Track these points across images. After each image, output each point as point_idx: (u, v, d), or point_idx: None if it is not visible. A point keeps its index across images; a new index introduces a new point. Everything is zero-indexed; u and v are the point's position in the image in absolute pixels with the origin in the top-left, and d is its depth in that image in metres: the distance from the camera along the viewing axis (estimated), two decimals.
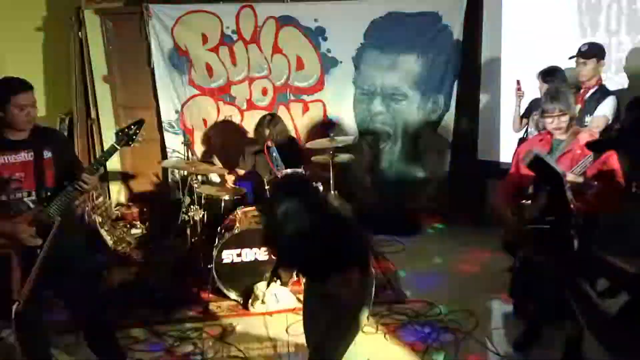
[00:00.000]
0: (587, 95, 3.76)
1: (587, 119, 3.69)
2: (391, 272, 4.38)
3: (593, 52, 3.71)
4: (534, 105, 4.32)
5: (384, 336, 3.45)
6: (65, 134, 5.13)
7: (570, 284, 1.45)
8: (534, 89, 4.21)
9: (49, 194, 2.71)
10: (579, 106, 3.67)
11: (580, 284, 1.43)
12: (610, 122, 3.63)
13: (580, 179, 2.80)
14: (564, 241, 1.42)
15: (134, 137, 2.87)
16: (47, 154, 2.71)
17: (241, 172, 4.68)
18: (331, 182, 4.22)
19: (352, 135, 5.29)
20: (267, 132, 4.44)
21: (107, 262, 4.40)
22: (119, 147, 2.84)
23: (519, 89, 4.29)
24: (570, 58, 3.82)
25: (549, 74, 4.01)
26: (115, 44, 5.34)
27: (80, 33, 5.24)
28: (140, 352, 3.35)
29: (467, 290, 4.01)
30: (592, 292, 1.43)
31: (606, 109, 3.63)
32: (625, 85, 4.15)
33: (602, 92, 3.71)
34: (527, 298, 3.39)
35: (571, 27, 4.44)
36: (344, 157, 4.54)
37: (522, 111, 4.35)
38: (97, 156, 4.89)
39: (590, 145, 1.96)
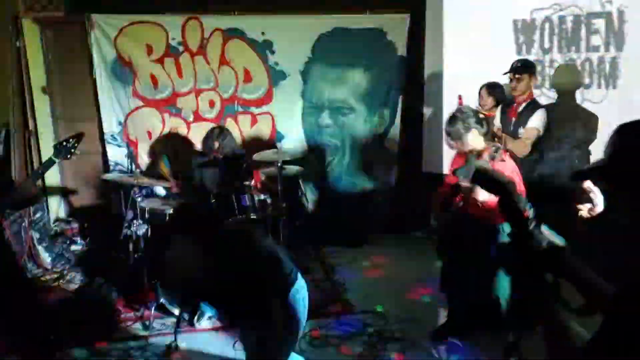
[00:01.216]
0: (520, 108, 4.04)
1: (521, 130, 3.97)
2: (339, 282, 4.40)
3: (525, 68, 3.99)
4: None
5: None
6: (2, 146, 4.91)
7: (539, 303, 1.32)
8: (474, 103, 4.37)
9: None
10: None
11: (549, 304, 1.30)
12: (541, 133, 3.90)
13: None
14: (527, 251, 1.32)
15: (72, 150, 2.82)
16: None
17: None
18: (279, 194, 4.21)
19: (300, 147, 5.34)
20: (215, 144, 4.41)
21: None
22: (57, 160, 2.77)
23: (460, 104, 4.44)
24: (505, 74, 4.08)
25: (494, 87, 4.30)
26: (55, 54, 5.17)
27: (18, 42, 5.04)
28: None
29: (413, 300, 4.08)
30: (564, 313, 1.30)
31: (537, 121, 3.90)
32: (555, 100, 4.41)
33: (534, 106, 3.98)
34: (453, 291, 3.55)
35: (508, 44, 4.66)
36: (292, 169, 4.55)
37: None
38: (34, 170, 4.73)
39: (575, 175, 2.11)
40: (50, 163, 2.81)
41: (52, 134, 5.22)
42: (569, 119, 4.30)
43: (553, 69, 4.46)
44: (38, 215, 4.74)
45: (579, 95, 4.33)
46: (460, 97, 4.47)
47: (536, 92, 4.29)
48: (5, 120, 5.08)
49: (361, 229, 5.28)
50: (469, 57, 4.83)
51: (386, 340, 3.54)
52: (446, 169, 4.91)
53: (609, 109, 4.10)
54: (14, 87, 5.04)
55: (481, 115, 3.26)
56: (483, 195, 2.96)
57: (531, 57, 4.47)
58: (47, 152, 5.01)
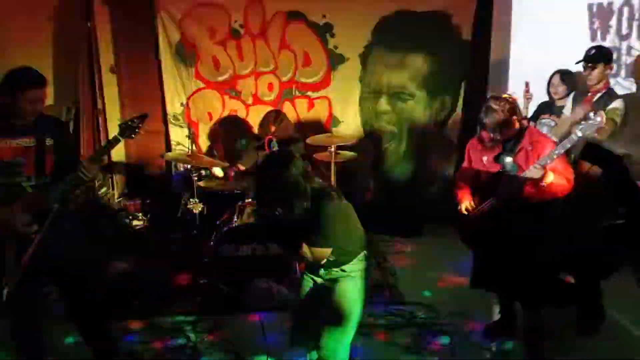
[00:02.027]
0: (595, 98, 3.74)
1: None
2: (391, 272, 4.34)
3: (600, 56, 3.70)
4: (542, 108, 4.27)
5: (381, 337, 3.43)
6: (72, 123, 5.16)
7: None
8: (542, 92, 4.15)
9: (48, 180, 2.73)
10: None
11: None
12: (618, 125, 3.60)
13: (540, 173, 2.92)
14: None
15: (137, 130, 2.89)
16: (49, 141, 2.73)
17: (242, 167, 4.66)
18: (332, 179, 4.18)
19: (356, 133, 5.27)
20: (272, 128, 4.43)
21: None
22: (121, 139, 2.86)
23: (527, 91, 4.24)
24: (578, 62, 3.79)
25: (567, 75, 4.03)
26: (123, 35, 5.35)
27: (89, 23, 5.25)
28: (133, 343, 3.34)
29: (467, 294, 3.95)
30: None
31: (614, 112, 3.61)
32: (634, 90, 4.08)
33: (610, 96, 3.69)
34: (487, 288, 3.41)
35: (581, 30, 4.37)
36: (346, 154, 4.51)
37: (529, 114, 4.28)
38: (100, 146, 4.94)
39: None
40: (115, 141, 2.90)
41: (118, 113, 5.43)
42: None
43: (631, 57, 4.14)
44: (103, 190, 4.97)
45: None
46: (527, 85, 4.25)
47: (611, 82, 4.00)
48: (75, 98, 5.33)
49: (416, 218, 5.17)
50: (538, 43, 4.57)
51: (435, 333, 3.46)
52: None
53: None
54: (84, 66, 5.26)
55: (510, 100, 3.10)
56: (548, 177, 2.92)
57: (606, 44, 4.17)
58: (113, 130, 5.24)
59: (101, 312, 3.08)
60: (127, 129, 2.88)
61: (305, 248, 2.49)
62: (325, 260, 2.54)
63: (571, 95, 3.97)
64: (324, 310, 2.60)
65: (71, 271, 2.88)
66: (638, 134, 3.91)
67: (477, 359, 3.27)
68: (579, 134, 2.90)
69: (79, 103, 5.31)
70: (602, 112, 2.94)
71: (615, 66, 4.08)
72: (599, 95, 3.73)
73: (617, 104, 3.64)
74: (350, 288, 2.58)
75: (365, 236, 2.67)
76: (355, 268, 2.59)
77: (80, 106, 5.29)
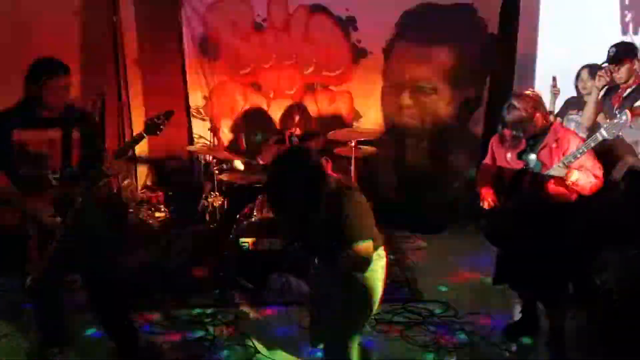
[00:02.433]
0: (625, 94, 3.65)
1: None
2: (409, 269, 4.30)
3: (625, 53, 3.60)
4: (570, 103, 4.17)
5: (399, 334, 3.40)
6: (97, 116, 5.23)
7: None
8: (569, 87, 4.05)
9: (73, 173, 2.76)
10: None
11: None
12: None
13: (564, 172, 2.88)
14: None
15: (162, 127, 2.92)
16: (76, 134, 2.76)
17: (262, 161, 4.67)
18: (352, 174, 4.16)
19: (378, 127, 5.23)
20: (296, 118, 4.43)
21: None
22: (145, 136, 2.90)
23: (554, 86, 4.15)
24: (602, 64, 3.70)
25: (596, 69, 3.85)
26: (148, 29, 5.40)
27: (115, 17, 5.31)
28: (153, 334, 3.39)
29: (486, 293, 3.89)
30: None
31: None
32: None
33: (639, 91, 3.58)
34: (511, 285, 3.36)
35: (612, 23, 4.24)
36: (367, 149, 4.47)
37: (556, 109, 4.19)
38: (125, 141, 5.00)
39: None
40: (139, 138, 2.94)
41: (142, 106, 5.49)
42: None
43: None
44: (126, 182, 5.04)
45: None
46: (554, 80, 4.16)
47: None
48: (102, 91, 5.40)
49: (438, 215, 5.10)
50: (567, 37, 4.46)
51: (453, 331, 3.42)
52: None
53: None
54: (109, 59, 5.33)
55: (532, 95, 3.06)
56: (574, 175, 2.88)
57: (638, 39, 4.03)
58: (136, 122, 5.31)
59: (123, 303, 3.14)
60: (152, 126, 2.92)
61: (354, 246, 2.35)
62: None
63: (603, 91, 3.86)
64: (337, 303, 2.54)
65: (94, 263, 2.93)
66: None
67: (497, 358, 3.21)
68: (605, 133, 2.83)
69: (104, 96, 5.39)
70: (628, 111, 2.84)
71: None
72: (629, 90, 3.63)
73: None
74: (368, 284, 2.51)
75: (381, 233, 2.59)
76: (374, 264, 2.51)
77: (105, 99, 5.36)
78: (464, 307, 3.66)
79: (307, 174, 2.35)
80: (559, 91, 4.12)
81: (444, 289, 3.98)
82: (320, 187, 2.36)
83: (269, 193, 2.56)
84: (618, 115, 2.85)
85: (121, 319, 3.12)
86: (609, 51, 3.64)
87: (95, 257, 2.93)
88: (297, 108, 4.56)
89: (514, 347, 3.27)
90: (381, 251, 2.53)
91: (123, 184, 4.98)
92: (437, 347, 3.27)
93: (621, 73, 3.60)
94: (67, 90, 2.73)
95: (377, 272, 2.51)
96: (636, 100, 3.55)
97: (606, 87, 3.81)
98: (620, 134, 2.88)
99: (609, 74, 3.64)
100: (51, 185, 2.73)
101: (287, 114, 4.53)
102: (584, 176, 2.90)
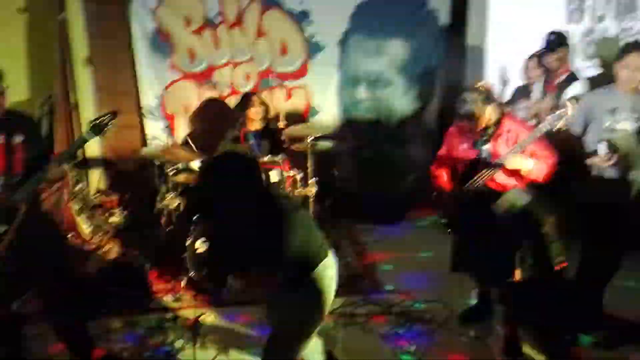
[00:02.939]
0: (557, 81, 3.90)
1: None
2: (370, 261, 4.34)
3: (557, 42, 3.84)
4: (519, 92, 4.26)
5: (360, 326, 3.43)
6: (47, 118, 5.06)
7: None
8: (519, 76, 4.14)
9: (17, 180, 2.67)
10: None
11: None
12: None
13: (515, 160, 3.01)
14: None
15: (106, 128, 2.85)
16: (18, 139, 2.67)
17: None
18: (309, 170, 4.14)
19: (335, 122, 5.23)
20: (260, 109, 4.39)
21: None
22: (89, 138, 2.82)
23: (503, 76, 4.23)
24: (539, 51, 3.95)
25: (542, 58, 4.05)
26: (97, 27, 5.23)
27: (61, 15, 5.13)
28: (112, 342, 3.31)
29: (445, 282, 3.96)
30: None
31: (576, 92, 3.74)
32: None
33: (571, 79, 3.83)
34: (467, 272, 3.43)
35: (558, 12, 4.35)
36: (324, 144, 4.46)
37: (506, 99, 4.28)
38: (69, 145, 4.85)
39: None
40: (82, 141, 2.86)
41: (93, 107, 5.33)
42: None
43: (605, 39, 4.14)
44: (79, 187, 4.88)
45: None
46: (503, 70, 4.25)
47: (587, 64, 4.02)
48: (50, 92, 5.23)
49: (396, 206, 5.16)
50: (515, 27, 4.54)
51: (413, 320, 3.47)
52: None
53: None
54: (57, 59, 5.15)
55: (484, 89, 3.16)
56: (526, 164, 3.01)
57: (582, 26, 4.16)
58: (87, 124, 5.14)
59: (77, 312, 3.05)
60: (96, 127, 2.83)
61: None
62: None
63: (542, 80, 4.02)
64: (280, 313, 2.44)
65: (43, 272, 2.84)
66: None
67: (455, 344, 3.27)
68: (548, 125, 2.93)
69: (53, 98, 5.22)
70: (569, 102, 2.96)
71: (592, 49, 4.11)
72: (562, 77, 3.87)
73: (577, 87, 3.77)
74: (312, 296, 2.34)
75: (325, 242, 2.45)
76: (320, 274, 2.35)
77: (55, 100, 5.19)
78: (423, 296, 3.71)
79: (239, 182, 2.18)
80: (508, 81, 4.21)
81: (403, 279, 4.03)
82: (255, 198, 2.21)
83: (199, 204, 2.43)
84: (561, 107, 2.96)
85: (77, 329, 3.04)
86: (546, 37, 3.87)
87: (45, 266, 2.84)
88: (259, 99, 4.48)
89: (471, 333, 3.33)
90: (328, 260, 2.38)
91: (75, 189, 4.83)
92: (397, 337, 3.31)
93: (554, 59, 3.84)
94: (2, 97, 2.63)
95: (324, 284, 2.35)
96: (567, 87, 3.79)
97: (544, 76, 3.99)
98: (565, 124, 2.96)
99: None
100: None
101: (250, 104, 4.44)
102: (538, 164, 3.00)
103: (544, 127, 2.96)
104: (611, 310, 3.20)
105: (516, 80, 4.31)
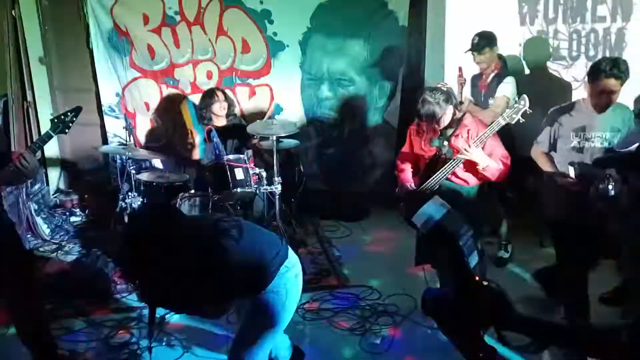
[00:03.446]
0: (488, 80, 4.09)
1: (491, 101, 4.05)
2: (335, 256, 4.41)
3: (485, 41, 4.01)
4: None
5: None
6: (0, 116, 4.90)
7: None
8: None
9: None
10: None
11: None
12: (510, 101, 3.91)
13: (471, 156, 3.12)
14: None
15: (70, 124, 2.81)
16: None
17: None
18: (275, 168, 4.18)
19: (299, 120, 5.28)
20: (225, 104, 4.39)
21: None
22: (53, 135, 2.77)
23: (460, 76, 4.37)
24: (466, 52, 4.10)
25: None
26: (51, 24, 5.11)
27: (14, 12, 4.98)
28: (73, 342, 3.25)
29: (410, 275, 4.06)
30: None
31: (505, 89, 3.96)
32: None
33: (500, 76, 4.02)
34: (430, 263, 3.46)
35: (512, 14, 4.53)
36: (289, 142, 4.51)
37: (463, 98, 4.41)
38: (33, 141, 4.72)
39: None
40: (47, 137, 2.80)
41: (50, 105, 5.20)
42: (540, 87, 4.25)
43: (557, 40, 4.35)
44: (37, 186, 4.77)
45: (582, 68, 4.23)
46: (460, 69, 4.38)
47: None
48: (4, 91, 5.07)
49: (360, 203, 5.25)
50: (472, 28, 4.68)
51: (379, 314, 3.55)
52: None
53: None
54: (11, 57, 5.00)
55: (445, 89, 3.28)
56: (484, 161, 3.12)
57: (535, 28, 4.37)
58: (45, 122, 5.02)
59: (39, 312, 2.99)
60: (60, 124, 2.79)
61: None
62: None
63: (469, 79, 4.21)
64: (247, 314, 2.44)
65: (5, 270, 2.77)
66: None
67: (419, 334, 3.37)
68: (506, 118, 3.06)
69: (7, 96, 5.06)
70: (525, 96, 3.09)
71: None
72: (491, 76, 4.06)
73: (507, 84, 3.96)
74: (270, 302, 2.34)
75: (281, 245, 2.43)
76: (277, 284, 2.34)
77: (9, 99, 5.04)
78: (388, 290, 3.80)
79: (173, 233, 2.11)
80: (464, 80, 4.34)
81: (368, 274, 4.11)
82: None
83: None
84: (517, 101, 3.09)
85: (38, 330, 2.98)
86: (472, 40, 4.03)
87: (8, 264, 2.77)
88: (224, 94, 4.48)
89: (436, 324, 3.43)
90: (289, 262, 2.38)
91: (32, 189, 4.71)
92: (363, 330, 3.38)
93: (483, 59, 4.02)
94: None
95: (285, 287, 2.35)
96: (497, 85, 3.99)
97: (472, 75, 4.24)
98: (520, 118, 3.10)
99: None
100: None
101: (212, 99, 4.42)
102: (493, 163, 3.13)
103: (503, 119, 3.08)
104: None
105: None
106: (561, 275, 3.15)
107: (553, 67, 4.45)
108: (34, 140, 4.73)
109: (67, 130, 2.81)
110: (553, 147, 3.05)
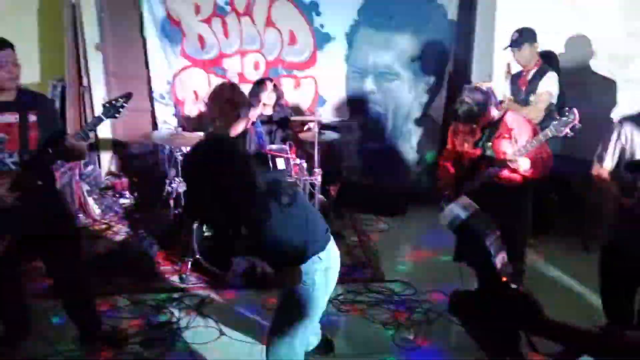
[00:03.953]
0: (529, 76, 3.99)
1: (532, 97, 3.96)
2: (371, 250, 4.42)
3: (524, 38, 3.92)
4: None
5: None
6: (58, 100, 5.14)
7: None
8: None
9: (32, 157, 2.74)
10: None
11: None
12: (553, 97, 3.88)
13: (517, 161, 3.03)
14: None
15: (121, 109, 2.89)
16: (33, 118, 2.72)
17: None
18: (316, 159, 4.21)
19: (343, 113, 5.29)
20: (274, 94, 4.45)
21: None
22: (104, 119, 2.86)
23: (508, 72, 4.29)
24: (505, 49, 4.00)
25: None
26: (108, 12, 5.30)
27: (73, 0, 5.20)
28: (117, 319, 3.40)
29: (447, 273, 4.03)
30: None
31: (548, 84, 3.88)
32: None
33: (543, 71, 3.92)
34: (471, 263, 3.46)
35: (566, 7, 4.40)
36: (330, 135, 4.53)
37: (503, 97, 4.33)
38: (83, 125, 4.93)
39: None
40: (98, 121, 2.89)
41: (104, 91, 5.41)
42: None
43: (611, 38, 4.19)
44: (89, 168, 4.98)
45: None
46: (508, 66, 4.29)
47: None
48: (61, 75, 5.31)
49: (401, 198, 5.23)
50: (523, 24, 4.57)
51: (413, 310, 3.55)
52: None
53: None
54: (69, 43, 5.22)
55: (485, 89, 3.20)
56: (527, 165, 3.04)
57: (588, 25, 4.23)
58: (99, 107, 5.21)
59: (86, 288, 3.15)
60: (111, 109, 2.87)
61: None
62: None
63: (509, 77, 4.11)
64: (281, 299, 2.48)
65: (55, 247, 2.92)
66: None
67: (455, 334, 3.36)
68: (554, 130, 2.96)
69: (64, 80, 5.30)
70: (575, 110, 2.96)
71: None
72: (532, 72, 3.97)
73: (549, 79, 3.87)
74: (301, 292, 2.36)
75: (324, 234, 2.43)
76: (305, 272, 2.32)
77: (67, 83, 5.27)
78: (424, 286, 3.79)
79: (221, 167, 2.10)
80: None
81: (403, 268, 4.11)
82: (240, 184, 2.12)
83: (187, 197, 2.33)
84: (567, 114, 2.96)
85: (85, 305, 3.14)
86: (511, 36, 3.93)
87: (59, 241, 2.92)
88: (273, 84, 4.54)
89: None
90: (323, 254, 2.37)
91: (84, 171, 4.93)
92: (397, 324, 3.40)
93: (523, 56, 3.92)
94: (14, 66, 2.66)
95: (313, 278, 2.34)
96: (540, 80, 3.89)
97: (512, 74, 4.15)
98: (569, 132, 2.98)
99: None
100: (10, 169, 2.70)
101: (259, 89, 4.49)
102: (533, 164, 3.06)
103: (550, 132, 2.98)
104: None
105: None
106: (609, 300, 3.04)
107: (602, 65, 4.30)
108: (87, 123, 4.94)
109: (117, 115, 2.88)
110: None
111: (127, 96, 2.91)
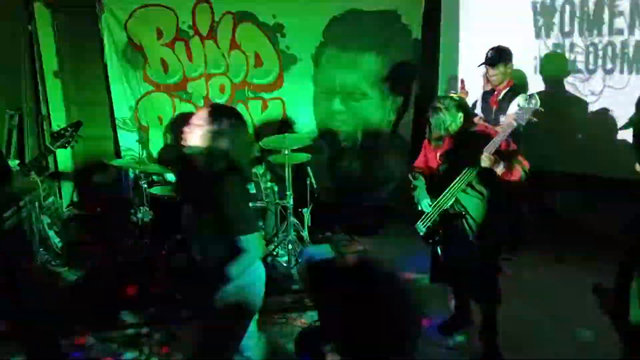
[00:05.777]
0: (500, 96, 3.93)
1: (502, 118, 3.88)
2: None
3: (499, 57, 3.86)
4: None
5: None
6: (15, 131, 4.94)
7: None
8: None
9: None
10: None
11: None
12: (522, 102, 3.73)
13: (488, 163, 2.94)
14: None
15: (71, 139, 2.79)
16: None
17: None
18: (287, 182, 4.14)
19: (311, 134, 5.25)
20: None
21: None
22: (53, 149, 2.75)
23: (462, 88, 4.30)
24: (479, 65, 3.95)
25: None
26: (67, 39, 5.16)
27: (30, 26, 5.04)
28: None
29: (422, 292, 3.98)
30: None
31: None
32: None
33: (513, 92, 3.81)
34: (446, 282, 3.43)
35: (527, 27, 4.48)
36: (301, 156, 4.47)
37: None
38: (31, 158, 4.73)
39: None
40: (47, 151, 2.79)
41: (65, 118, 5.23)
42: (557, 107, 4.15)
43: (573, 53, 4.27)
44: (50, 200, 4.77)
45: (599, 81, 4.15)
46: (462, 82, 4.32)
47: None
48: (18, 105, 5.11)
49: (372, 217, 5.19)
50: (486, 41, 4.63)
51: None
52: None
53: (632, 95, 3.90)
54: (26, 71, 5.05)
55: (457, 98, 3.17)
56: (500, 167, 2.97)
57: (550, 41, 4.31)
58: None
59: (48, 327, 2.98)
60: (60, 138, 2.77)
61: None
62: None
63: (480, 94, 4.11)
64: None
65: (13, 287, 2.76)
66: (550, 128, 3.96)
67: (433, 354, 3.29)
68: (519, 120, 2.95)
69: (21, 110, 5.10)
70: (536, 95, 2.96)
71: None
72: (503, 92, 3.90)
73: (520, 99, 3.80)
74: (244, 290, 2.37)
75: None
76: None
77: (24, 112, 5.08)
78: None
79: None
80: (467, 93, 4.27)
81: None
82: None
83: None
84: (527, 101, 2.96)
85: (48, 344, 2.96)
86: (487, 54, 3.89)
87: (15, 281, 2.76)
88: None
89: (450, 343, 3.35)
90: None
91: (44, 203, 4.71)
92: None
93: (496, 74, 3.86)
94: None
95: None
96: (510, 102, 3.80)
97: (483, 91, 4.11)
98: (533, 118, 2.98)
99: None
100: None
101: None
102: (511, 167, 3.00)
103: (516, 122, 2.97)
104: None
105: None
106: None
107: (569, 80, 4.37)
108: (35, 156, 4.76)
109: (67, 145, 2.79)
110: None
111: (76, 125, 2.83)
